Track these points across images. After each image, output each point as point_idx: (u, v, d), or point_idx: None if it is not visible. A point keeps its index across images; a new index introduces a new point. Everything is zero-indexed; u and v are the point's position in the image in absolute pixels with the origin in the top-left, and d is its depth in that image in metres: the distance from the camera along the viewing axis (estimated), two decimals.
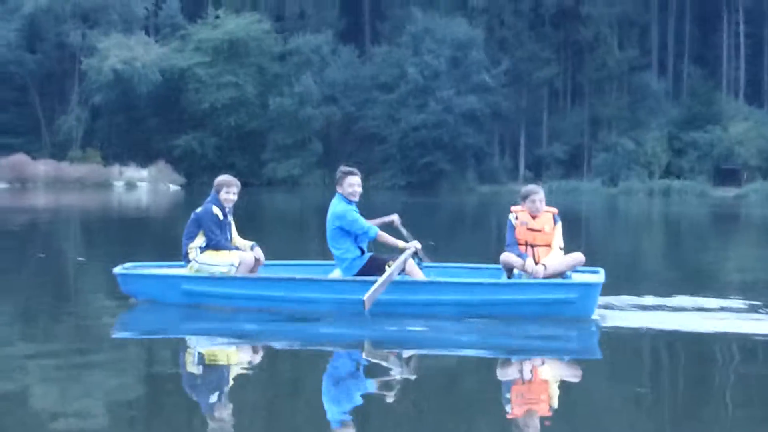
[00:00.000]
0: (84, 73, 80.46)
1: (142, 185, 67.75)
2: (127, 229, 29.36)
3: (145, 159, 74.86)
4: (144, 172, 70.32)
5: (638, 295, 13.22)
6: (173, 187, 68.49)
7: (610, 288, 12.90)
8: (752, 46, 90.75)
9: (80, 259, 16.23)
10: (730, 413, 7.81)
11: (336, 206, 12.14)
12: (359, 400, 8.15)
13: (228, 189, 12.50)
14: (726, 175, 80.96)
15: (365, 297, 11.23)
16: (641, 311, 12.16)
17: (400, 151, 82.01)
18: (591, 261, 12.71)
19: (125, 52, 78.12)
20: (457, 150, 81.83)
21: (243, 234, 12.89)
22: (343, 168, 12.39)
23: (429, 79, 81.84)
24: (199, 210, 12.51)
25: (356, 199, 12.22)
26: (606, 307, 12.24)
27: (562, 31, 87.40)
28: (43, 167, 64.59)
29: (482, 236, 29.45)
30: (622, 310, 12.24)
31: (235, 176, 12.85)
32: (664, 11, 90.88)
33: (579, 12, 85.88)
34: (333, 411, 7.79)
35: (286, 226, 34.08)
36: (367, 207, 12.71)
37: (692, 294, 13.42)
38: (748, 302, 12.80)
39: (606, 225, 39.08)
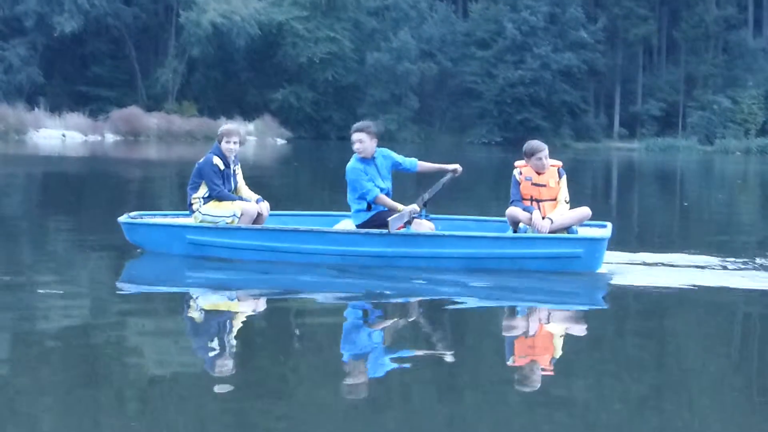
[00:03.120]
0: (181, 26, 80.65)
1: (251, 139, 68.02)
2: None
3: (240, 112, 75.09)
4: (251, 126, 70.49)
5: (671, 252, 13.13)
6: (280, 141, 68.84)
7: (638, 245, 13.24)
8: None
9: None
10: (729, 372, 7.80)
11: (348, 164, 12.26)
12: (364, 352, 8.24)
13: (228, 138, 12.42)
14: None
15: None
16: (658, 268, 12.05)
17: (496, 107, 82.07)
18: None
19: (223, 6, 78.04)
20: (553, 106, 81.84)
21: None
22: (353, 125, 12.47)
23: (526, 36, 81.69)
24: (201, 160, 12.45)
25: (367, 156, 12.23)
26: (629, 263, 12.28)
27: None
28: (155, 120, 64.97)
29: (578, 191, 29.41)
30: (636, 265, 12.20)
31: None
32: None
33: None
34: (340, 362, 7.87)
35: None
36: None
37: (727, 255, 13.14)
38: None
39: (699, 183, 38.99)
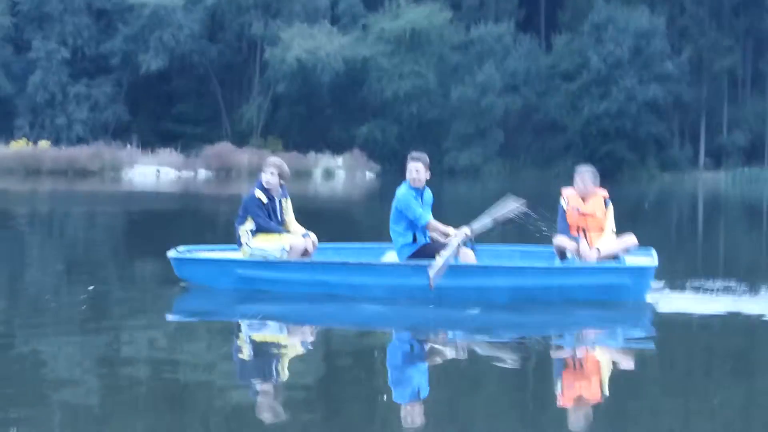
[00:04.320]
0: (266, 62, 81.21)
1: (340, 173, 68.30)
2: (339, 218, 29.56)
3: (326, 147, 75.35)
4: (339, 160, 70.77)
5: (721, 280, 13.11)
6: (369, 175, 69.06)
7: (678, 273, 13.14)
8: None
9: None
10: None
11: (398, 190, 12.39)
12: (412, 384, 8.28)
13: (266, 169, 12.58)
14: None
15: (430, 276, 11.39)
16: (707, 296, 12.02)
17: (581, 140, 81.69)
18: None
19: (309, 42, 78.44)
20: (638, 138, 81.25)
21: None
22: (410, 154, 12.69)
23: (612, 68, 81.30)
24: (246, 194, 12.61)
25: (419, 185, 12.39)
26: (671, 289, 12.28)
27: (744, 19, 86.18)
28: (246, 156, 65.45)
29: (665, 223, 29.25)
30: (681, 291, 12.22)
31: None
32: None
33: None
34: (388, 394, 7.90)
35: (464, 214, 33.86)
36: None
37: None
38: None
39: None
